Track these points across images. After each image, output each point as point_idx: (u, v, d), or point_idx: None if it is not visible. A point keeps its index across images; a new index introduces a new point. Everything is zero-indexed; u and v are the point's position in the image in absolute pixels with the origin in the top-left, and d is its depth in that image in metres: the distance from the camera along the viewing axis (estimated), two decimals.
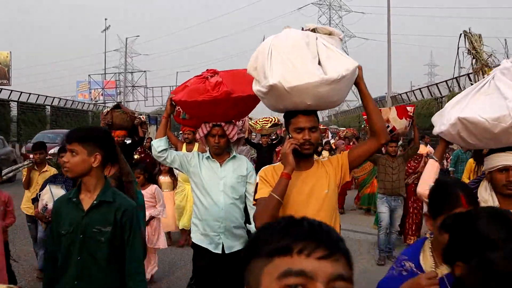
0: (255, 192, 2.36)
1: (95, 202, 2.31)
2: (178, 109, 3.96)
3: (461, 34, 3.47)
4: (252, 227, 3.27)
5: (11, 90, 27.50)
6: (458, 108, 2.50)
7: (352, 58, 2.36)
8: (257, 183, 2.39)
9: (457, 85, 20.06)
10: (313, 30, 2.45)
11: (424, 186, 2.46)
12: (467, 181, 6.40)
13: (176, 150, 6.83)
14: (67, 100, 36.50)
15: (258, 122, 9.92)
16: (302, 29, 2.48)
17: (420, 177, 2.65)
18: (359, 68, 2.36)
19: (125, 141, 7.37)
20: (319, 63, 2.26)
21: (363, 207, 9.78)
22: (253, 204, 2.37)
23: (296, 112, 2.35)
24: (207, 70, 3.30)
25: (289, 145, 2.27)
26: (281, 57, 2.25)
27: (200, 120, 3.42)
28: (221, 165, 3.40)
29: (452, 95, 19.93)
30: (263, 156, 9.66)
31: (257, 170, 11.18)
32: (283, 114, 2.51)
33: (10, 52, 32.65)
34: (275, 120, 10.02)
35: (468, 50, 3.50)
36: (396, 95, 26.98)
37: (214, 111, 3.19)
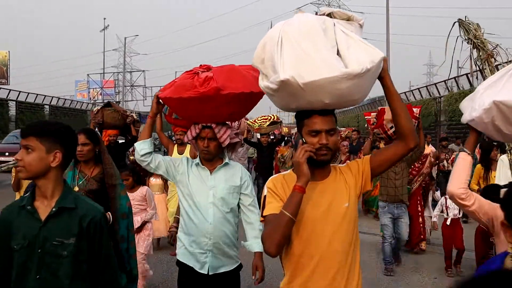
0: (263, 206, 2.01)
1: (54, 209, 1.96)
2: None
3: (455, 22, 3.11)
4: (248, 245, 2.99)
5: (10, 90, 27.49)
6: (492, 91, 2.18)
7: (377, 48, 1.97)
8: (264, 196, 2.03)
9: (456, 85, 20.07)
10: (329, 15, 2.08)
11: (458, 184, 2.20)
12: (475, 187, 6.00)
13: (167, 151, 6.44)
14: (65, 99, 36.51)
15: (256, 120, 9.49)
16: (316, 14, 2.12)
17: (451, 175, 2.29)
18: (384, 60, 1.99)
19: (118, 140, 7.16)
20: (338, 54, 1.91)
21: (370, 210, 9.43)
22: (261, 221, 2.05)
23: (310, 112, 2.00)
24: (200, 65, 2.94)
25: (303, 153, 1.91)
26: (293, 46, 1.89)
27: (190, 121, 3.04)
28: (211, 173, 2.99)
29: (450, 95, 19.95)
30: (263, 156, 9.44)
31: (257, 170, 10.88)
32: (294, 114, 2.16)
33: (9, 51, 32.60)
34: (274, 118, 9.56)
35: (469, 39, 3.17)
36: None
37: (203, 110, 2.81)
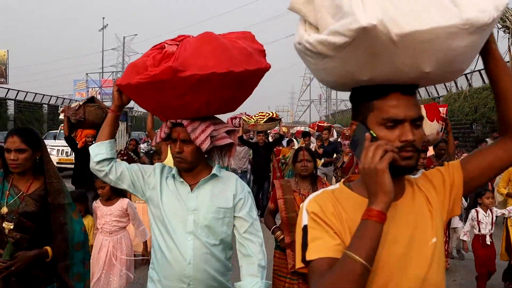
0: (304, 243, 1.24)
1: None
2: None
3: None
4: (241, 287, 2.09)
5: (8, 89, 27.46)
6: None
7: None
8: (305, 227, 1.25)
9: (454, 85, 20.08)
10: None
11: None
12: (504, 191, 5.50)
13: (159, 153, 5.48)
14: (64, 98, 36.46)
15: (253, 117, 8.79)
16: None
17: None
18: None
19: (93, 142, 6.46)
20: None
21: None
22: (300, 269, 1.26)
23: (386, 89, 1.26)
24: (178, 35, 2.09)
25: (381, 153, 1.16)
26: None
27: (165, 116, 2.16)
28: (192, 190, 2.13)
29: (449, 95, 19.97)
30: (258, 156, 8.77)
31: (253, 173, 9.27)
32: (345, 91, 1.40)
33: (7, 50, 32.51)
34: (272, 114, 8.80)
35: (506, 27, 2.79)
36: None
37: (164, 101, 2.00)
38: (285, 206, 3.61)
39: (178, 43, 1.98)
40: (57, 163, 14.15)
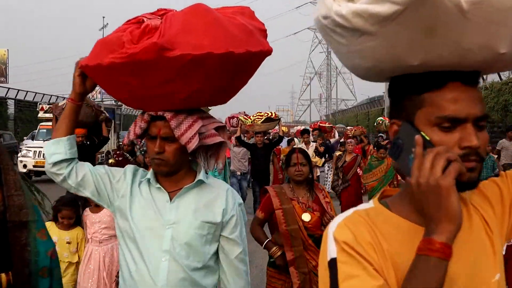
0: (333, 283, 0.92)
1: None
2: None
3: None
4: None
5: (8, 88, 27.54)
6: None
7: None
8: (332, 261, 0.93)
9: None
10: None
11: None
12: None
13: None
14: (64, 98, 36.47)
15: (250, 117, 8.48)
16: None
17: None
18: None
19: (84, 142, 6.11)
20: None
21: None
22: None
23: (440, 77, 0.94)
24: (158, 9, 1.69)
25: (442, 163, 0.85)
26: None
27: (147, 107, 1.71)
28: (171, 199, 1.73)
29: None
30: (257, 157, 8.41)
31: (252, 177, 8.97)
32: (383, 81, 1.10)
33: (8, 49, 32.55)
34: (270, 114, 8.45)
35: None
36: None
37: (144, 88, 1.58)
38: (284, 218, 3.09)
39: (159, 17, 1.57)
40: (34, 166, 13.30)
